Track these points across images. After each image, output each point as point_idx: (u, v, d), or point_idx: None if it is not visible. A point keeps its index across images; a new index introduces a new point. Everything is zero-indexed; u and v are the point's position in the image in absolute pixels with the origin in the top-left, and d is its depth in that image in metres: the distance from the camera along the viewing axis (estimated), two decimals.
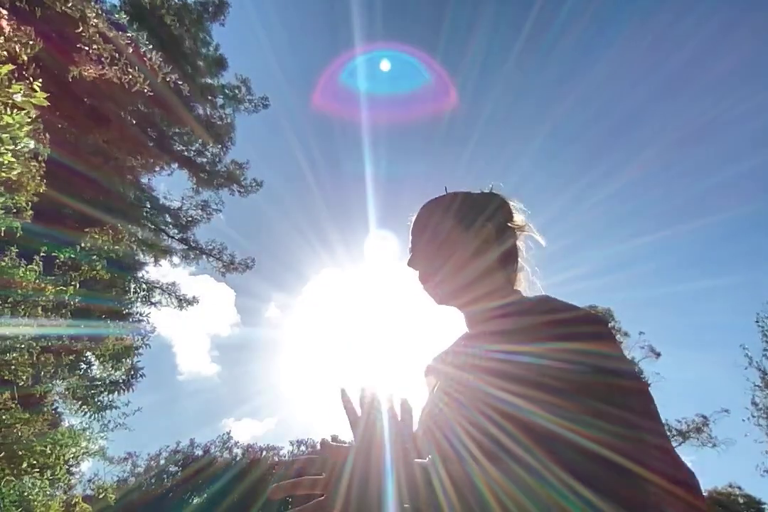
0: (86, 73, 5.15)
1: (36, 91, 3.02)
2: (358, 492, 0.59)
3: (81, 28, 5.09)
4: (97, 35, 5.14)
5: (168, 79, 5.53)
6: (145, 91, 5.34)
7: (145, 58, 5.37)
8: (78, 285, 5.34)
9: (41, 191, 5.10)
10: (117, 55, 5.24)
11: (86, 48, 5.11)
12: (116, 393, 7.36)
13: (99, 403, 6.52)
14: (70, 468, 5.19)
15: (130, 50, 5.34)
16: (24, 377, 4.95)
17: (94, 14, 5.12)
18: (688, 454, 16.00)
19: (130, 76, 5.25)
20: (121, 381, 7.70)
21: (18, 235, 4.64)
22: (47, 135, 5.00)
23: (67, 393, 6.65)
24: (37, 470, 4.66)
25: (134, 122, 11.74)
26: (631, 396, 0.64)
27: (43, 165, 5.00)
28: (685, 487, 0.56)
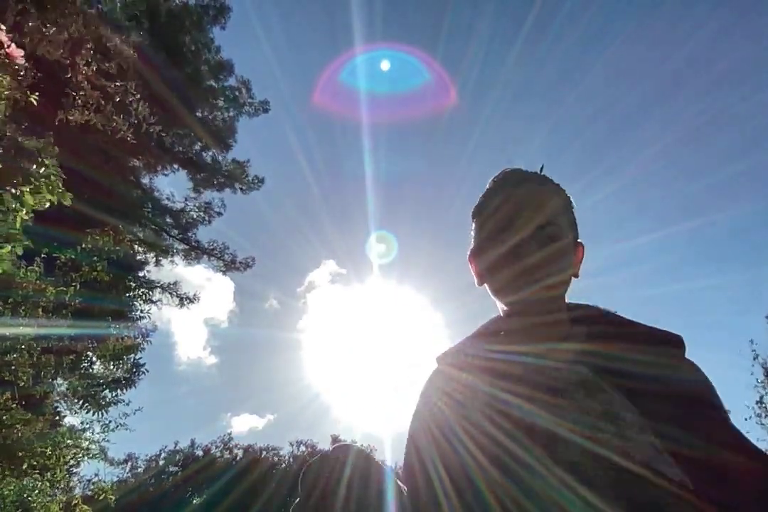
0: (72, 117, 5.37)
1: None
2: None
3: (70, 74, 5.33)
4: (86, 82, 5.37)
5: (152, 130, 5.90)
6: (129, 139, 5.70)
7: (131, 108, 5.69)
8: (78, 286, 5.34)
9: None
10: (103, 102, 5.52)
11: (73, 93, 5.35)
12: (119, 390, 7.36)
13: (102, 401, 6.52)
14: (71, 469, 5.17)
15: (117, 99, 5.66)
16: (24, 378, 4.94)
17: (84, 62, 5.37)
18: None
19: (115, 123, 5.57)
20: (123, 379, 7.69)
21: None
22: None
23: (68, 392, 6.65)
24: (38, 472, 4.65)
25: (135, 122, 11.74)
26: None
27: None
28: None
